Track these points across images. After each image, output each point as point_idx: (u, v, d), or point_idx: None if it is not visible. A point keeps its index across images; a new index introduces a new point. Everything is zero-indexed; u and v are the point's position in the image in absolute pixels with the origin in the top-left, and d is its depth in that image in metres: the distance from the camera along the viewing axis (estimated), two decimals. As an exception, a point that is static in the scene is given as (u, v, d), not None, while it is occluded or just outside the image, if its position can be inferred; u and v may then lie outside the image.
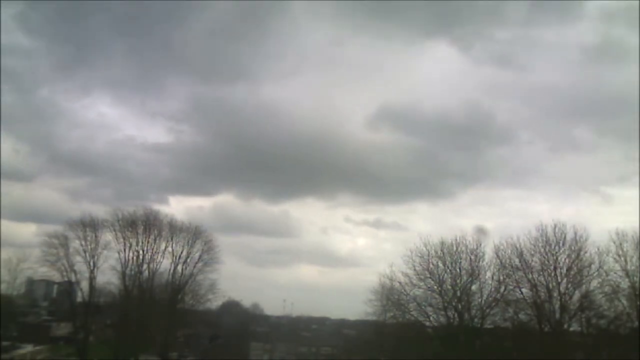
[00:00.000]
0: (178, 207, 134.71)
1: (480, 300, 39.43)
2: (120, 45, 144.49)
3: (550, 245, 36.42)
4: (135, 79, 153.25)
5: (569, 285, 35.87)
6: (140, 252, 52.20)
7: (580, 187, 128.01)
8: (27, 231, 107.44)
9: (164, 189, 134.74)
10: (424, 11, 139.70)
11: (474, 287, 39.61)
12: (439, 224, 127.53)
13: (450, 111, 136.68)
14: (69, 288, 54.43)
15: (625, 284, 34.84)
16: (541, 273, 36.60)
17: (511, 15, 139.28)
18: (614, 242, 34.94)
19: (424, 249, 40.03)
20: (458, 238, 40.03)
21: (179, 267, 53.49)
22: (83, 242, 50.52)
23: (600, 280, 35.36)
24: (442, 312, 40.25)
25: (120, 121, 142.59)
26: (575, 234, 36.12)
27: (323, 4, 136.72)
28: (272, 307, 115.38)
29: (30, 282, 75.26)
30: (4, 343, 53.49)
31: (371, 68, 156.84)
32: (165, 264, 53.24)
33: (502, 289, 38.37)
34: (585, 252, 35.80)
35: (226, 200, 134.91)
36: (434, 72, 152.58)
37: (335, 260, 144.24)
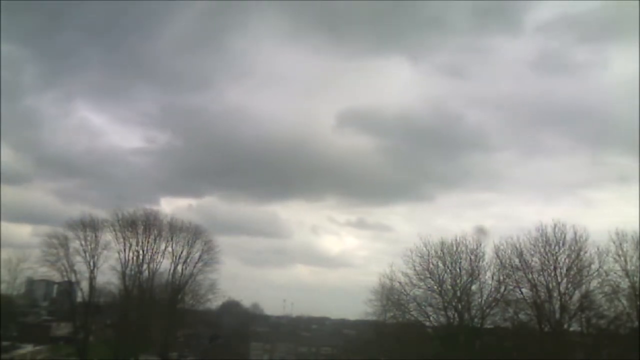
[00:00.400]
0: (166, 209, 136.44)
1: (480, 300, 39.47)
2: (98, 55, 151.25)
3: (550, 245, 36.41)
4: (115, 88, 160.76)
5: (569, 285, 35.85)
6: (140, 252, 52.31)
7: (555, 191, 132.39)
8: (22, 232, 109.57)
9: (151, 191, 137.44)
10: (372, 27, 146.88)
11: (474, 287, 39.67)
12: (421, 225, 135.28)
13: (421, 117, 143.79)
14: (69, 288, 54.49)
15: (625, 284, 34.83)
16: (541, 273, 36.60)
17: (457, 26, 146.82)
18: (614, 242, 34.98)
19: (424, 249, 40.11)
20: (458, 238, 40.13)
21: (179, 267, 53.62)
22: (83, 242, 50.69)
23: (600, 280, 35.35)
24: (442, 312, 40.26)
25: (103, 126, 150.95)
26: (575, 234, 36.16)
27: (279, 23, 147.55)
28: (272, 307, 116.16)
29: (30, 282, 75.31)
30: (4, 343, 53.54)
31: (331, 81, 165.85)
32: (165, 264, 53.38)
33: (502, 289, 38.38)
34: (585, 252, 35.81)
35: (213, 202, 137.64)
36: (394, 84, 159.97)
37: (326, 261, 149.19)
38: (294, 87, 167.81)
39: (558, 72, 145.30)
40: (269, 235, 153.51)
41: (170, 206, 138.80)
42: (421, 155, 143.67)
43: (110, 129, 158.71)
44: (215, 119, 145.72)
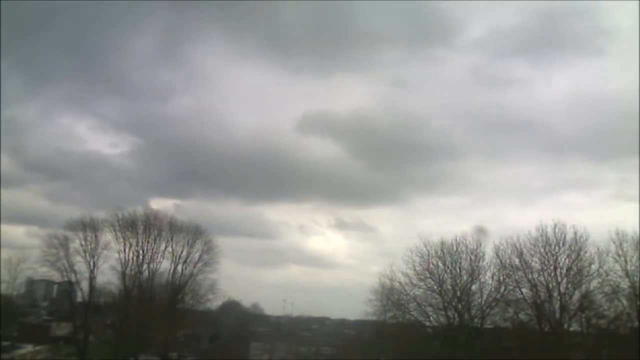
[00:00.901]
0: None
1: (480, 300, 39.51)
2: (71, 68, 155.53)
3: (550, 245, 36.42)
4: (91, 98, 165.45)
5: (569, 285, 35.86)
6: (140, 252, 52.29)
7: (524, 195, 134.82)
8: (16, 233, 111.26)
9: (136, 194, 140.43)
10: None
11: (474, 287, 39.72)
12: (402, 227, 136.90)
13: (381, 124, 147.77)
14: (69, 288, 54.44)
15: (625, 284, 34.85)
16: (541, 273, 36.61)
17: (397, 41, 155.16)
18: (614, 243, 34.99)
19: (424, 249, 40.17)
20: (458, 238, 40.20)
21: (179, 267, 53.68)
22: (83, 242, 50.61)
23: (600, 280, 35.35)
24: (442, 312, 40.30)
25: (83, 133, 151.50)
26: (575, 234, 36.16)
27: (232, 43, 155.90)
28: (272, 307, 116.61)
29: (30, 282, 75.14)
30: (4, 343, 53.54)
31: (285, 93, 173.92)
32: (165, 264, 53.41)
33: (502, 289, 38.41)
34: (585, 252, 35.82)
35: (199, 204, 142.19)
36: (345, 93, 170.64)
37: (316, 260, 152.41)
38: (254, 98, 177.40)
39: (498, 84, 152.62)
40: (260, 237, 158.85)
41: (157, 207, 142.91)
42: (390, 160, 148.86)
43: (90, 135, 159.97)
44: (187, 126, 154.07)
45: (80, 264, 50.68)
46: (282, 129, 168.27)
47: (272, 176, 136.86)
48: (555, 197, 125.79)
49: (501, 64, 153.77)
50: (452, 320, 39.84)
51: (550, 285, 36.19)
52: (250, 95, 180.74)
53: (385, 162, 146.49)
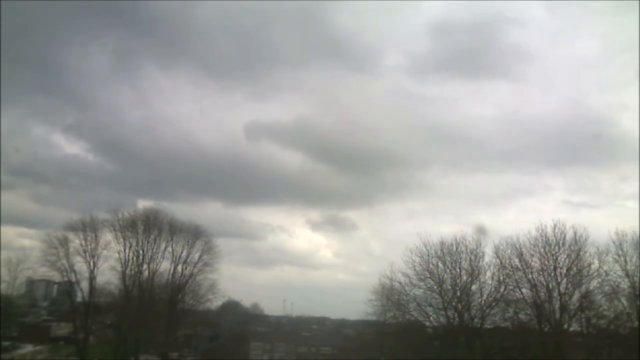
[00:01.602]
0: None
1: (480, 300, 39.46)
2: (36, 83, 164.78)
3: (550, 245, 36.34)
4: (58, 110, 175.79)
5: (569, 285, 35.80)
6: (140, 252, 52.38)
7: (484, 201, 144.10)
8: (9, 234, 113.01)
9: (115, 196, 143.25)
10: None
11: (474, 287, 39.67)
12: (378, 228, 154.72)
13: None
14: (69, 288, 54.34)
15: (625, 284, 34.79)
16: (541, 273, 36.54)
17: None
18: (614, 243, 34.94)
19: (424, 249, 40.16)
20: (458, 238, 40.18)
21: (179, 267, 53.77)
22: (83, 242, 50.63)
23: (600, 280, 35.29)
24: (442, 312, 40.28)
25: (59, 141, 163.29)
26: (575, 234, 36.07)
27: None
28: (272, 307, 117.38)
29: (30, 282, 75.08)
30: (4, 343, 53.52)
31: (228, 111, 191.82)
32: (165, 264, 53.51)
33: (502, 289, 38.36)
34: (585, 252, 35.75)
35: (180, 207, 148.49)
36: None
37: (303, 260, 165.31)
38: (203, 114, 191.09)
39: (429, 102, 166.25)
40: (248, 237, 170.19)
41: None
42: (352, 167, 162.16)
43: (66, 143, 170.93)
44: (154, 136, 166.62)
45: (80, 264, 50.77)
46: (238, 141, 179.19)
47: (242, 181, 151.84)
48: (513, 203, 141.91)
49: (427, 84, 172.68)
50: (452, 320, 39.81)
51: (550, 285, 36.15)
52: (199, 112, 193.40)
53: (349, 169, 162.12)
